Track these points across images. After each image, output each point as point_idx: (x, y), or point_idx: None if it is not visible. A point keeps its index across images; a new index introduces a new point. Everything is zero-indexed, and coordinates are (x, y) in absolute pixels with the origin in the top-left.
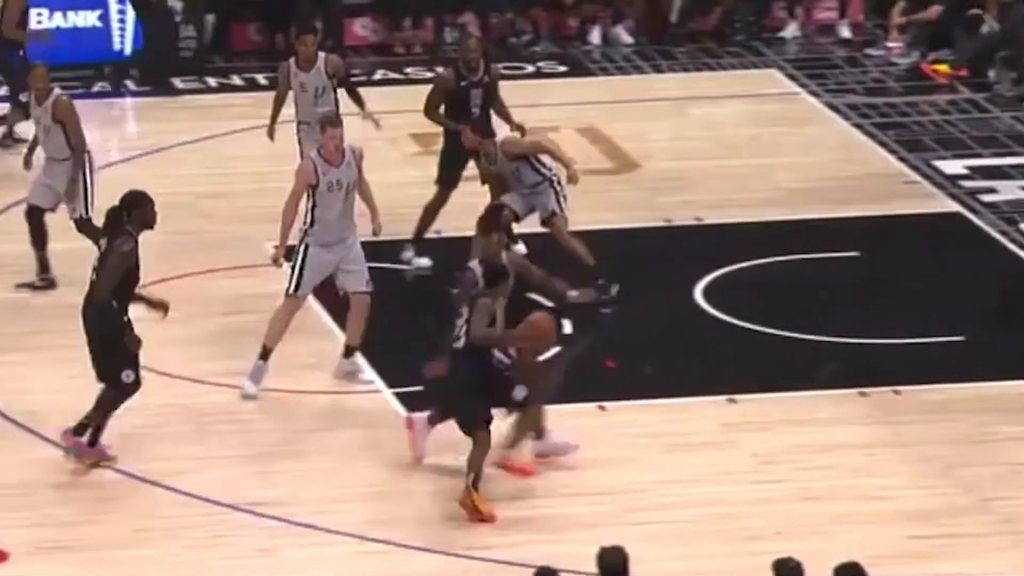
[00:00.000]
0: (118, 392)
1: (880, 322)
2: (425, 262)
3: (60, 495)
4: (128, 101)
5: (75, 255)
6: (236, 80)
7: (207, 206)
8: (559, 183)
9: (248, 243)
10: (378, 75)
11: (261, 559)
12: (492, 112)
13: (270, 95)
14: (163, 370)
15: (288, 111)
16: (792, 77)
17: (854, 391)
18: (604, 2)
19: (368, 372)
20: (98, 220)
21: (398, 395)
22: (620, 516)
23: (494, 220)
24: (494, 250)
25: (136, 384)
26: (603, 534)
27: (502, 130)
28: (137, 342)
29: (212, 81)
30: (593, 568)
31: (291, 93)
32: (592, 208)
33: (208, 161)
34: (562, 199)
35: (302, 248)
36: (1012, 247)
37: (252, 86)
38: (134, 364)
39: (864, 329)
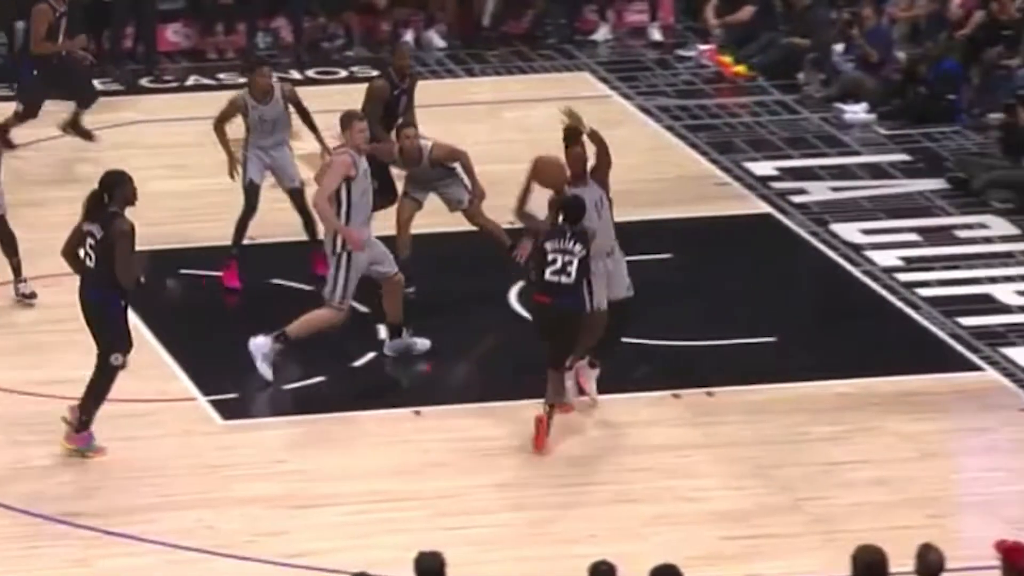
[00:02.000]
0: (105, 376)
1: (692, 323)
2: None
3: None
4: None
5: None
6: None
7: (18, 215)
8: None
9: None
10: (191, 81)
11: (76, 569)
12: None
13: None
14: None
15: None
16: (604, 80)
17: (667, 393)
18: (416, 6)
19: (422, 341)
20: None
21: (213, 403)
22: (436, 520)
23: (571, 134)
24: (580, 164)
25: (123, 367)
26: (420, 539)
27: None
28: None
29: None
30: (410, 573)
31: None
32: None
33: (16, 169)
34: (466, 184)
35: (345, 256)
36: (822, 247)
37: None
38: (125, 348)
39: (677, 331)
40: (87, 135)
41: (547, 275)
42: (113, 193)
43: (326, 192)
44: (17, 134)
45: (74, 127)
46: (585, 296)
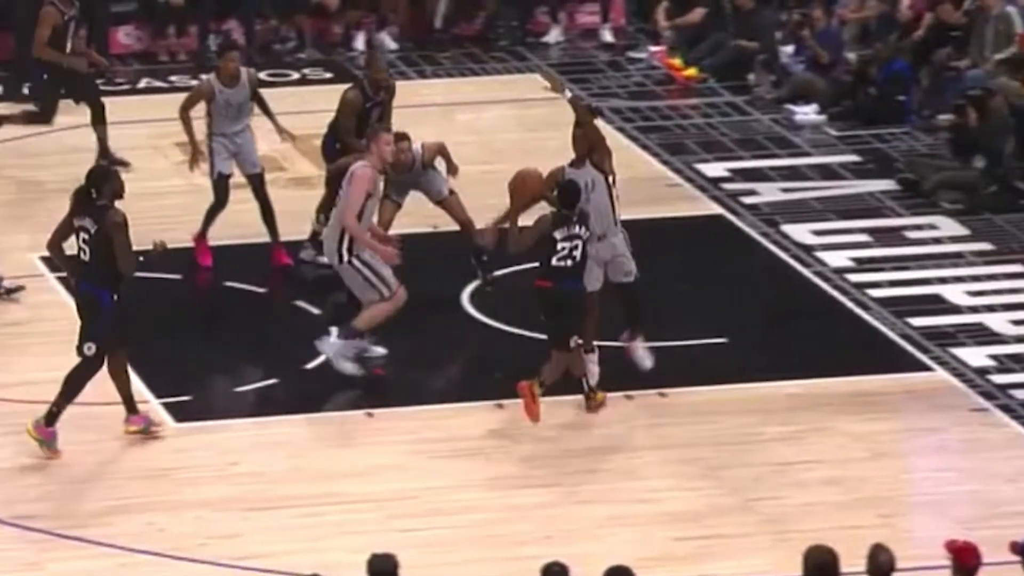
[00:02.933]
0: (81, 369)
1: (645, 324)
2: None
3: None
4: None
5: None
6: None
7: None
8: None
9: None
10: (143, 83)
11: (28, 573)
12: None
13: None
14: None
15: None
16: None
17: (620, 394)
18: (368, 8)
19: (378, 349)
20: None
21: (166, 405)
22: (389, 523)
23: (581, 113)
24: (581, 146)
25: (98, 357)
26: (372, 541)
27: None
28: None
29: None
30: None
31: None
32: None
33: None
34: (444, 176)
35: (356, 260)
36: (773, 248)
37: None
38: (99, 338)
39: None
40: (122, 163)
41: (553, 261)
42: (101, 188)
43: (353, 210)
44: None
45: (107, 157)
46: (584, 277)
